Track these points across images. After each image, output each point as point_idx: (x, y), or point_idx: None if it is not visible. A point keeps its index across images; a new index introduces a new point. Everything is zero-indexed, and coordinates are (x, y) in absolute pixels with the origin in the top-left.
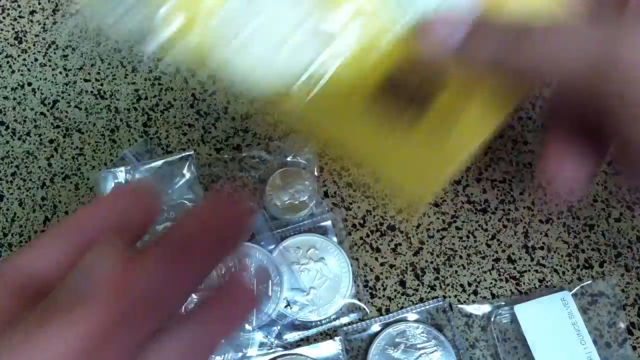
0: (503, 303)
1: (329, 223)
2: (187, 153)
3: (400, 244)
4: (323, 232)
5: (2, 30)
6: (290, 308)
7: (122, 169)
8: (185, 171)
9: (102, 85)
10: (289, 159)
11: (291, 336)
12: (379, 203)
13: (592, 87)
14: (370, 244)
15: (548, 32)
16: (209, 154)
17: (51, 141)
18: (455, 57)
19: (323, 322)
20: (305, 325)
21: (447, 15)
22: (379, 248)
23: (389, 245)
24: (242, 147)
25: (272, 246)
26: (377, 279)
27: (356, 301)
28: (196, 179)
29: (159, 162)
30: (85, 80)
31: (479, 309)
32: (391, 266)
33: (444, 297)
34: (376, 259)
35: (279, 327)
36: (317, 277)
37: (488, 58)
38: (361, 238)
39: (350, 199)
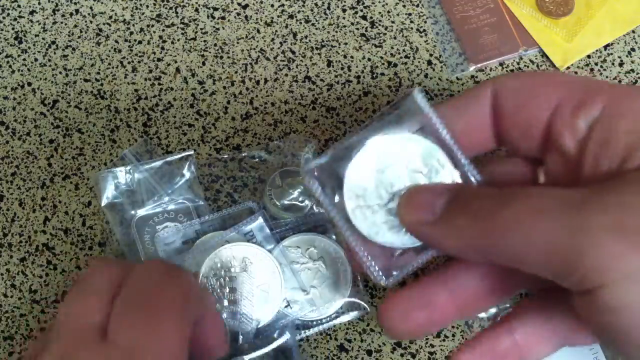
0: (508, 305)
1: (328, 222)
2: (187, 153)
3: None
4: (322, 231)
5: (2, 30)
6: (291, 308)
7: (122, 168)
8: (185, 171)
9: (102, 85)
10: (288, 158)
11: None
12: None
13: (553, 278)
14: None
15: (515, 218)
16: (209, 154)
17: (51, 141)
18: (435, 227)
19: (323, 321)
20: (305, 325)
21: (430, 185)
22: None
23: None
24: (242, 147)
25: (272, 246)
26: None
27: (356, 300)
28: (196, 179)
29: (159, 162)
30: (85, 80)
31: (484, 311)
32: None
33: None
34: None
35: (279, 328)
36: (316, 276)
37: (464, 234)
38: None
39: None
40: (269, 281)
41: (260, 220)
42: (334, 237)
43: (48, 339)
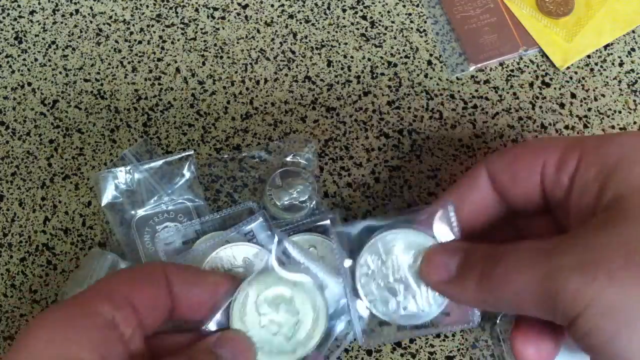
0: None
1: (327, 222)
2: (187, 153)
3: None
4: (322, 231)
5: (2, 30)
6: None
7: (122, 169)
8: (185, 171)
9: (102, 85)
10: (289, 159)
11: None
12: (379, 203)
13: (544, 317)
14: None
15: (505, 275)
16: (209, 154)
17: (51, 141)
18: (451, 285)
19: None
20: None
21: (446, 246)
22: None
23: None
24: (242, 147)
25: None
26: None
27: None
28: (196, 179)
29: (159, 162)
30: (85, 80)
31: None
32: None
33: None
34: None
35: None
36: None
37: (473, 291)
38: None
39: (350, 199)
40: None
41: (261, 220)
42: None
43: None
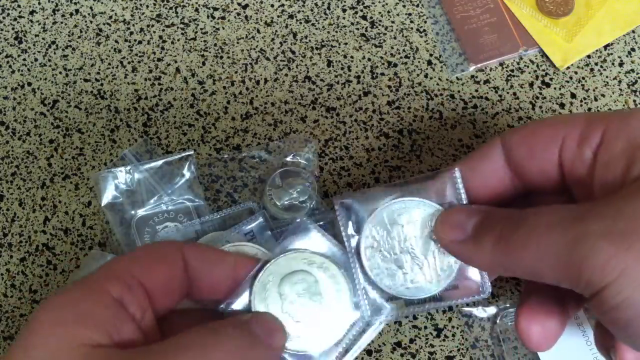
0: (508, 305)
1: (325, 221)
2: (187, 153)
3: None
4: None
5: (2, 30)
6: None
7: (122, 169)
8: (185, 171)
9: (102, 85)
10: (289, 159)
11: None
12: None
13: (564, 284)
14: None
15: (527, 236)
16: (209, 154)
17: (51, 141)
18: (466, 245)
19: None
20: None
21: (464, 207)
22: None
23: None
24: (242, 147)
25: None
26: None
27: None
28: (196, 179)
29: (159, 162)
30: (85, 80)
31: (485, 312)
32: None
33: None
34: None
35: None
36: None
37: (490, 252)
38: None
39: None
40: None
41: (261, 220)
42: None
43: None
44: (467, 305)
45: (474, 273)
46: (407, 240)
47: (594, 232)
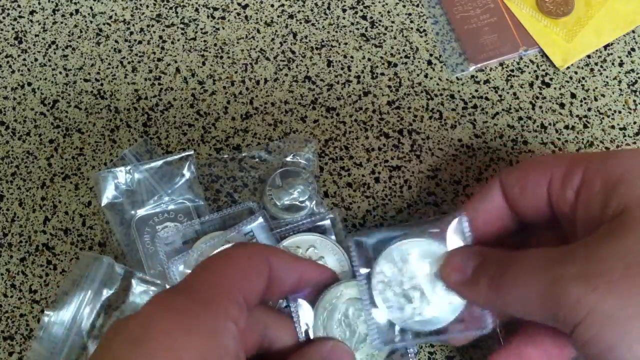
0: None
1: (327, 222)
2: (187, 153)
3: None
4: (322, 231)
5: (2, 30)
6: (289, 307)
7: (122, 168)
8: (185, 171)
9: (102, 85)
10: (289, 159)
11: None
12: (379, 203)
13: (548, 323)
14: None
15: (514, 279)
16: (209, 154)
17: (51, 141)
18: (466, 286)
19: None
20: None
21: (466, 248)
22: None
23: None
24: (242, 147)
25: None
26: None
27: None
28: (196, 179)
29: (159, 162)
30: (85, 80)
31: None
32: None
33: None
34: None
35: None
36: None
37: (485, 293)
38: None
39: (350, 199)
40: None
41: (261, 220)
42: (333, 237)
43: None
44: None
45: (477, 309)
46: (416, 277)
47: (568, 276)
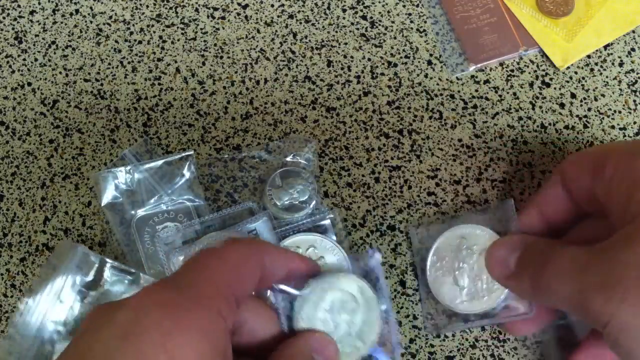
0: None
1: (328, 222)
2: (187, 153)
3: (400, 244)
4: (322, 231)
5: (2, 30)
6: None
7: (122, 168)
8: (185, 171)
9: (102, 85)
10: (289, 159)
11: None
12: (379, 203)
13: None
14: (370, 244)
15: (549, 278)
16: (209, 154)
17: (51, 141)
18: (510, 279)
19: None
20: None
21: (506, 240)
22: (379, 248)
23: (389, 245)
24: (242, 147)
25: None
26: (377, 279)
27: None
28: (196, 179)
29: (159, 162)
30: (85, 80)
31: None
32: (391, 266)
33: None
34: None
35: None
36: (315, 276)
37: (528, 286)
38: (361, 238)
39: (350, 199)
40: None
41: (265, 218)
42: (334, 237)
43: None
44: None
45: None
46: (466, 264)
47: (590, 285)
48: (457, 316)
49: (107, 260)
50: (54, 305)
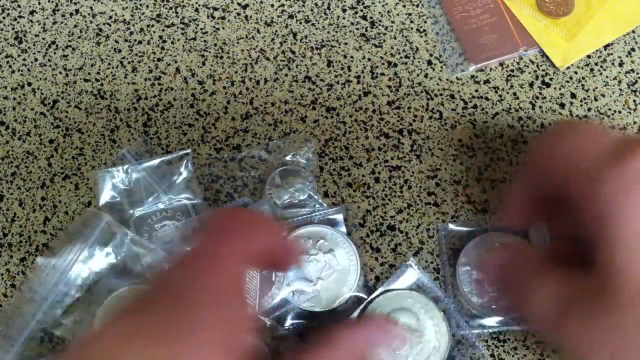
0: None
1: (339, 216)
2: (185, 152)
3: (400, 244)
4: (333, 225)
5: (2, 30)
6: (297, 297)
7: (120, 168)
8: (182, 169)
9: (102, 85)
10: (288, 158)
11: (294, 323)
12: (379, 203)
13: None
14: (370, 244)
15: (534, 303)
16: (209, 154)
17: (51, 141)
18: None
19: (327, 313)
20: (310, 315)
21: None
22: (379, 248)
23: (389, 245)
24: (242, 147)
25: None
26: (377, 279)
27: (363, 295)
28: (194, 178)
29: (157, 161)
30: (85, 80)
31: None
32: (391, 266)
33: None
34: (376, 259)
35: (282, 312)
36: (325, 269)
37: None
38: (361, 238)
39: (350, 199)
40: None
41: (266, 207)
42: (343, 229)
43: None
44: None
45: None
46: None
47: (569, 323)
48: (474, 321)
49: (129, 232)
50: (70, 269)
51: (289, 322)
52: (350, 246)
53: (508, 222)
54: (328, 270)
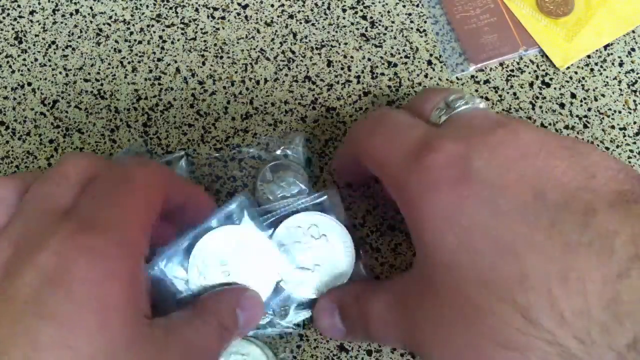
0: None
1: (325, 199)
2: (179, 154)
3: (400, 244)
4: (322, 210)
5: (2, 30)
6: (295, 288)
7: None
8: (178, 170)
9: (102, 85)
10: (278, 152)
11: (296, 316)
12: (379, 203)
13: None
14: (370, 244)
15: (376, 327)
16: (209, 154)
17: (51, 141)
18: (347, 334)
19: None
20: (309, 304)
21: (321, 303)
22: (379, 248)
23: (389, 245)
24: (242, 147)
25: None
26: (377, 279)
27: (364, 273)
28: (191, 179)
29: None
30: (85, 80)
31: None
32: (391, 266)
33: None
34: (376, 259)
35: (281, 305)
36: (319, 255)
37: (363, 333)
38: (361, 238)
39: (350, 199)
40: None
41: (243, 198)
42: (333, 216)
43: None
44: None
45: None
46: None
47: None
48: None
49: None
50: None
51: (291, 315)
52: (342, 230)
53: (337, 177)
54: (323, 257)
